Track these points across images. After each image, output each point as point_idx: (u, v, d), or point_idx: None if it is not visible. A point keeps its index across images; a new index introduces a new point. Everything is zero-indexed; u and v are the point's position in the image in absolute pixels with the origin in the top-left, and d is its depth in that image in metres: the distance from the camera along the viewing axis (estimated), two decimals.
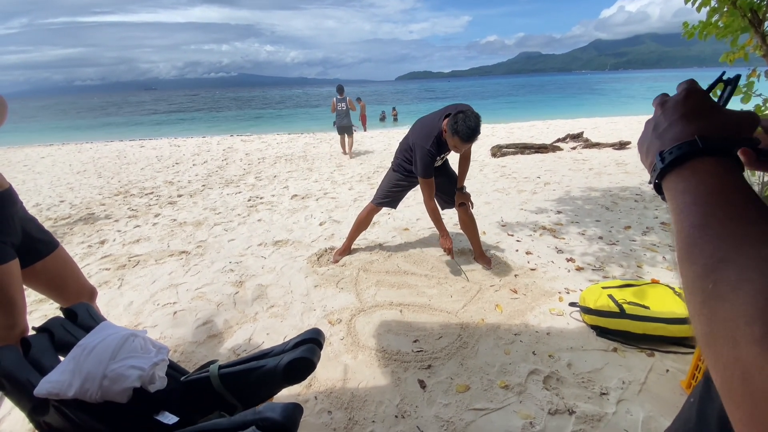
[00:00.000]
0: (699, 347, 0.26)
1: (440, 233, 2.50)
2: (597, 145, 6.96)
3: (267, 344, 1.95)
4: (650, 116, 0.43)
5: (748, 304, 0.22)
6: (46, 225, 4.02)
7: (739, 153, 0.40)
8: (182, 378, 1.22)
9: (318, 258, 2.89)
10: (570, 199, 4.05)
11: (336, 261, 2.82)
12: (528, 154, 6.53)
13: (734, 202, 0.30)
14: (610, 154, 6.26)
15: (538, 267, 2.63)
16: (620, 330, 1.87)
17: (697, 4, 3.33)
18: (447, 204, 2.67)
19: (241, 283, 2.55)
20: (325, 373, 1.74)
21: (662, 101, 0.41)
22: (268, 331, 2.06)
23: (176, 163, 7.38)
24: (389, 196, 2.67)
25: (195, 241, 3.31)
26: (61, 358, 1.13)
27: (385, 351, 1.86)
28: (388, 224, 3.50)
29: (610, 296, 1.93)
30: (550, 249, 2.89)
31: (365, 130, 11.58)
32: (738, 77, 0.41)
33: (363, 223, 2.81)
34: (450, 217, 3.48)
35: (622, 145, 6.69)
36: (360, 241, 3.06)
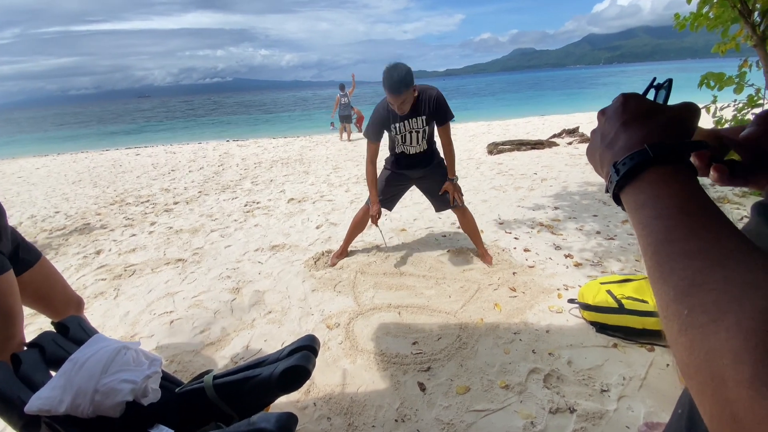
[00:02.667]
0: (684, 373, 0.25)
1: (371, 200, 2.56)
2: None
3: (265, 351, 1.94)
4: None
5: (732, 339, 0.21)
6: (41, 236, 4.00)
7: (711, 170, 0.39)
8: (177, 389, 1.21)
9: (315, 261, 2.87)
10: (567, 194, 4.04)
11: (333, 264, 2.81)
12: (524, 150, 6.53)
13: (694, 214, 0.29)
14: None
15: (537, 264, 2.62)
16: (620, 325, 1.86)
17: None
18: (441, 206, 2.65)
19: (238, 290, 2.54)
20: (324, 379, 1.72)
21: (603, 111, 0.41)
22: (266, 338, 2.04)
23: (172, 170, 7.36)
24: (382, 194, 2.66)
25: (191, 249, 3.30)
26: (53, 374, 1.12)
27: (384, 354, 1.85)
28: (384, 225, 3.48)
29: (609, 292, 1.92)
30: (548, 246, 2.88)
31: (360, 130, 11.66)
32: (670, 81, 0.40)
33: (359, 224, 2.80)
34: (447, 216, 3.47)
35: None
36: (357, 243, 3.05)
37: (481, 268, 2.61)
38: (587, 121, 9.43)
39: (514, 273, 2.51)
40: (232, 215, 4.18)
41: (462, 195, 2.58)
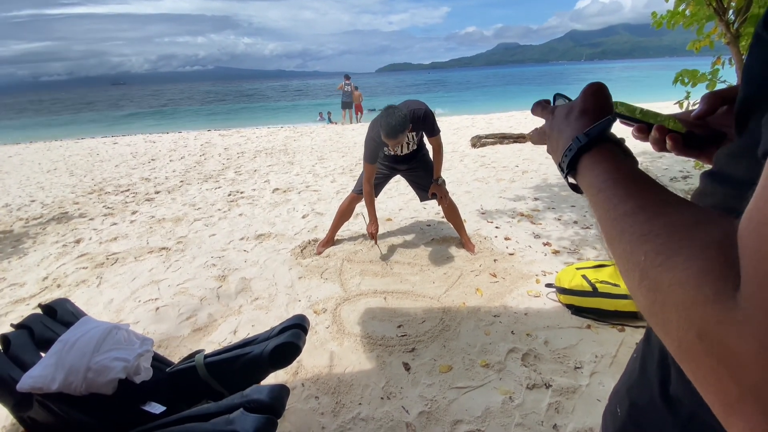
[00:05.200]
0: (649, 314, 0.28)
1: (369, 218, 2.62)
2: None
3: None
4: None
5: (689, 268, 0.24)
6: (18, 225, 3.88)
7: (667, 138, 0.44)
8: (168, 369, 1.23)
9: (302, 250, 2.90)
10: (547, 186, 4.16)
11: (320, 252, 2.84)
12: (507, 144, 6.65)
13: (625, 180, 0.34)
14: None
15: (517, 252, 2.72)
16: (593, 308, 1.97)
17: None
18: (425, 196, 2.72)
19: (224, 278, 2.54)
20: (312, 361, 1.77)
21: (551, 110, 0.51)
22: (254, 323, 2.07)
23: (152, 160, 7.18)
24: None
25: (175, 238, 3.26)
26: (42, 354, 1.13)
27: (370, 337, 1.90)
28: None
29: (584, 276, 2.02)
30: (528, 234, 2.98)
31: (359, 121, 12.02)
32: (560, 94, 0.52)
33: (345, 213, 2.83)
34: (432, 206, 3.54)
35: None
36: (343, 232, 3.08)
37: (464, 255, 2.69)
38: None
39: (495, 260, 2.60)
40: (215, 205, 4.14)
41: (447, 193, 2.67)
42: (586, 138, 0.39)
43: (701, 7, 3.39)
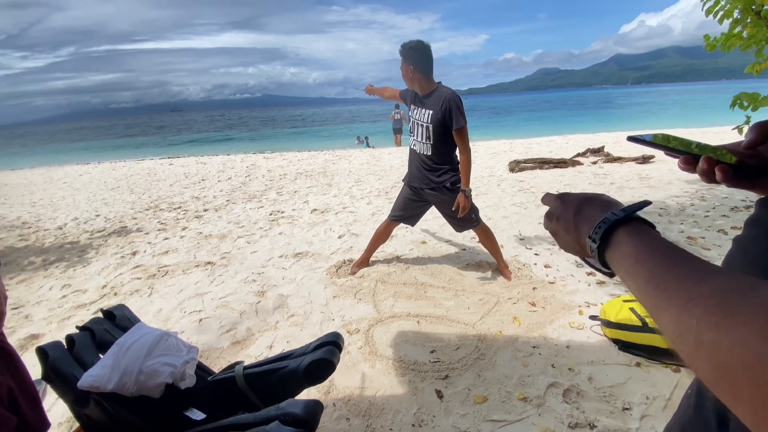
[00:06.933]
0: (714, 380, 0.26)
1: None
2: (618, 159, 6.85)
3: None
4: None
5: (751, 326, 0.24)
6: (83, 237, 4.26)
7: (716, 170, 0.43)
8: (209, 378, 1.29)
9: (337, 269, 2.95)
10: None
11: (354, 272, 2.88)
12: (547, 169, 6.49)
13: (665, 252, 0.35)
14: (633, 168, 6.15)
15: (557, 280, 2.61)
16: (643, 344, 1.83)
17: (719, 16, 3.31)
18: (460, 226, 2.62)
19: (263, 293, 2.63)
20: (344, 381, 1.77)
21: (549, 213, 0.52)
22: (289, 339, 2.11)
23: (202, 180, 7.69)
24: (402, 209, 2.72)
25: (220, 253, 3.44)
26: (101, 356, 1.22)
27: (402, 361, 1.88)
28: (405, 237, 3.54)
29: (632, 309, 1.90)
30: (570, 263, 2.86)
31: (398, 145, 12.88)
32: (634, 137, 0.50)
33: (381, 236, 2.86)
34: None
35: (645, 159, 6.57)
36: (378, 254, 3.11)
37: (501, 282, 2.61)
38: (613, 141, 9.28)
39: (534, 288, 2.51)
40: (257, 223, 4.34)
41: (477, 211, 2.55)
42: (622, 213, 0.42)
43: (760, 28, 3.23)
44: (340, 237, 3.71)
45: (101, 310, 1.37)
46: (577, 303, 2.33)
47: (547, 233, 2.92)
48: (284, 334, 2.16)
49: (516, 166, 6.59)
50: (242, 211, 4.96)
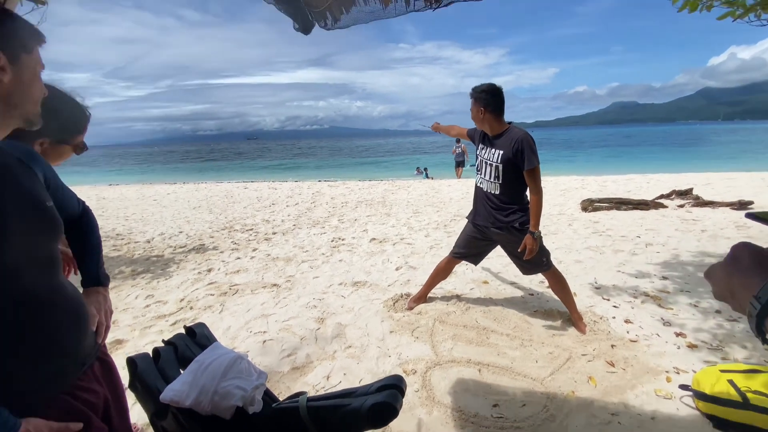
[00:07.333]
0: None
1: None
2: (710, 203, 6.12)
3: (344, 384, 2.00)
4: None
5: None
6: (167, 252, 4.72)
7: None
8: (273, 404, 1.31)
9: (394, 303, 2.92)
10: (678, 264, 3.57)
11: (411, 308, 2.83)
12: (625, 210, 5.98)
13: None
14: (728, 215, 5.44)
15: (640, 339, 2.33)
16: (743, 423, 1.57)
17: None
18: (527, 269, 2.48)
19: (323, 320, 2.68)
20: (399, 425, 1.71)
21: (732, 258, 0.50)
22: (345, 372, 2.11)
23: (272, 204, 8.24)
24: (465, 246, 2.64)
25: (285, 276, 3.61)
26: (181, 371, 1.31)
27: (461, 411, 1.77)
28: (466, 275, 3.43)
29: (731, 382, 1.63)
30: (655, 319, 2.55)
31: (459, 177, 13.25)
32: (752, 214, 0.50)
33: (441, 272, 2.80)
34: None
35: (742, 205, 5.79)
36: (436, 290, 3.04)
37: (574, 335, 2.40)
38: (703, 182, 8.35)
39: (612, 345, 2.26)
40: (320, 249, 4.50)
41: (548, 254, 2.42)
42: None
43: None
44: (397, 269, 3.70)
45: (184, 326, 1.48)
46: (664, 368, 2.05)
47: (627, 284, 2.66)
48: (341, 365, 2.17)
49: (589, 205, 6.17)
50: (306, 236, 5.19)
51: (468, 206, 2.68)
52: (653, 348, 2.24)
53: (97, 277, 1.16)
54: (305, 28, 1.78)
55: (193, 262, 4.23)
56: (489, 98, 2.30)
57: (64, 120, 1.17)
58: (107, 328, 1.14)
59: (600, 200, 6.36)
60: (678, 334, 2.36)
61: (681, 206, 6.18)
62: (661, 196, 6.88)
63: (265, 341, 2.41)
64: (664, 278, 3.23)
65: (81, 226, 1.17)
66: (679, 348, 2.23)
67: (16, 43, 0.75)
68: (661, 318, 2.56)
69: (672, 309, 2.69)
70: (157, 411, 1.19)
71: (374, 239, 4.83)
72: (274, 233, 5.42)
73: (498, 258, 3.78)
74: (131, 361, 1.26)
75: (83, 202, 1.20)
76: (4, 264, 0.76)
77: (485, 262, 3.72)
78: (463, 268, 3.57)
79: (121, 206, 8.85)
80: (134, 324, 2.80)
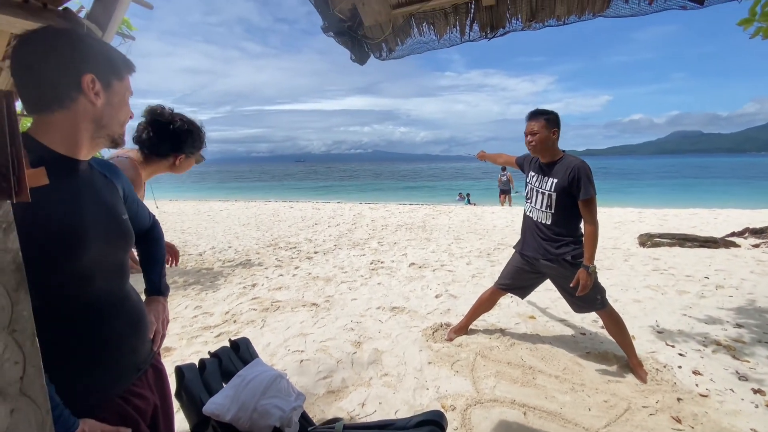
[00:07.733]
0: None
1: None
2: None
3: (379, 413, 1.93)
4: None
5: None
6: (216, 265, 4.96)
7: None
8: (309, 428, 1.29)
9: (433, 332, 2.83)
10: (755, 311, 3.17)
11: (451, 339, 2.72)
12: (689, 247, 5.47)
13: None
14: None
15: (712, 393, 2.06)
16: None
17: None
18: (579, 307, 2.32)
19: (360, 344, 2.65)
20: None
21: None
22: (381, 401, 2.04)
23: (315, 224, 8.46)
24: (511, 278, 2.52)
25: (324, 295, 3.64)
26: (224, 384, 1.33)
27: None
28: (510, 308, 3.26)
29: None
30: (729, 372, 2.25)
31: (510, 204, 13.19)
32: None
33: (484, 304, 2.68)
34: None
35: None
36: (478, 322, 2.91)
37: (633, 383, 2.17)
38: None
39: (678, 399, 2.01)
40: (359, 270, 4.51)
41: (603, 292, 2.25)
42: None
43: None
44: (437, 296, 3.61)
45: (229, 340, 1.52)
46: (740, 429, 1.79)
47: (695, 329, 2.39)
48: (377, 393, 2.11)
49: (648, 240, 5.72)
50: (346, 257, 5.25)
51: (512, 235, 2.60)
52: (726, 405, 1.96)
53: (159, 287, 1.23)
54: (361, 59, 1.86)
55: (239, 276, 4.40)
56: (558, 120, 2.25)
57: (195, 138, 1.53)
58: (163, 336, 1.20)
59: (661, 235, 5.88)
60: (756, 391, 2.07)
61: (756, 246, 5.55)
62: (733, 234, 6.23)
63: (302, 360, 2.41)
64: (739, 326, 2.87)
65: (150, 238, 1.25)
66: (757, 407, 1.94)
67: (110, 71, 0.85)
68: (736, 371, 2.26)
69: (749, 361, 2.37)
70: (198, 422, 1.21)
71: (413, 264, 4.77)
72: (316, 252, 5.53)
73: (546, 292, 3.57)
74: (179, 371, 1.30)
75: (153, 216, 1.30)
76: (79, 270, 0.83)
77: (532, 295, 3.53)
78: (507, 300, 3.41)
79: (179, 220, 9.51)
80: (182, 333, 2.92)
